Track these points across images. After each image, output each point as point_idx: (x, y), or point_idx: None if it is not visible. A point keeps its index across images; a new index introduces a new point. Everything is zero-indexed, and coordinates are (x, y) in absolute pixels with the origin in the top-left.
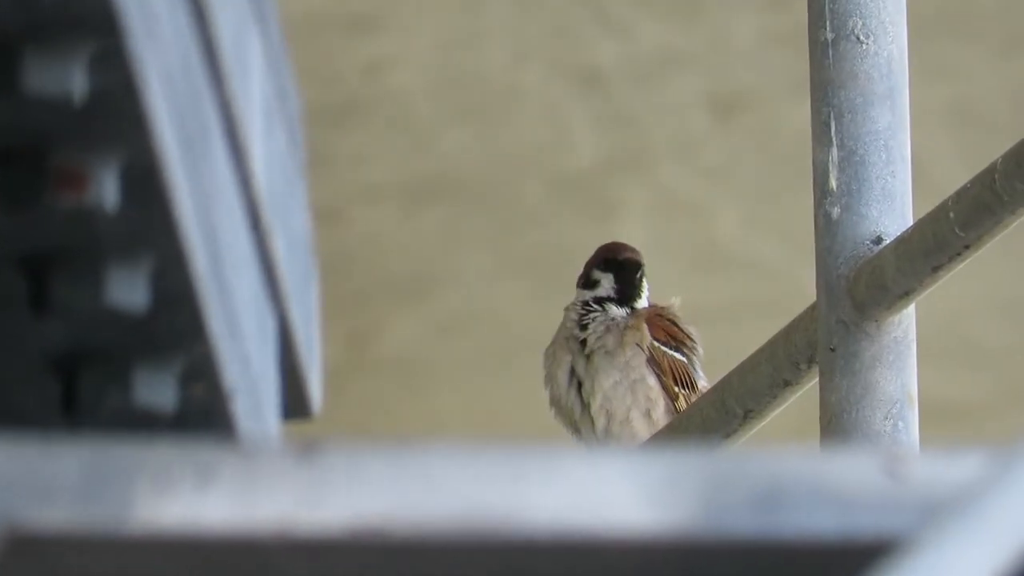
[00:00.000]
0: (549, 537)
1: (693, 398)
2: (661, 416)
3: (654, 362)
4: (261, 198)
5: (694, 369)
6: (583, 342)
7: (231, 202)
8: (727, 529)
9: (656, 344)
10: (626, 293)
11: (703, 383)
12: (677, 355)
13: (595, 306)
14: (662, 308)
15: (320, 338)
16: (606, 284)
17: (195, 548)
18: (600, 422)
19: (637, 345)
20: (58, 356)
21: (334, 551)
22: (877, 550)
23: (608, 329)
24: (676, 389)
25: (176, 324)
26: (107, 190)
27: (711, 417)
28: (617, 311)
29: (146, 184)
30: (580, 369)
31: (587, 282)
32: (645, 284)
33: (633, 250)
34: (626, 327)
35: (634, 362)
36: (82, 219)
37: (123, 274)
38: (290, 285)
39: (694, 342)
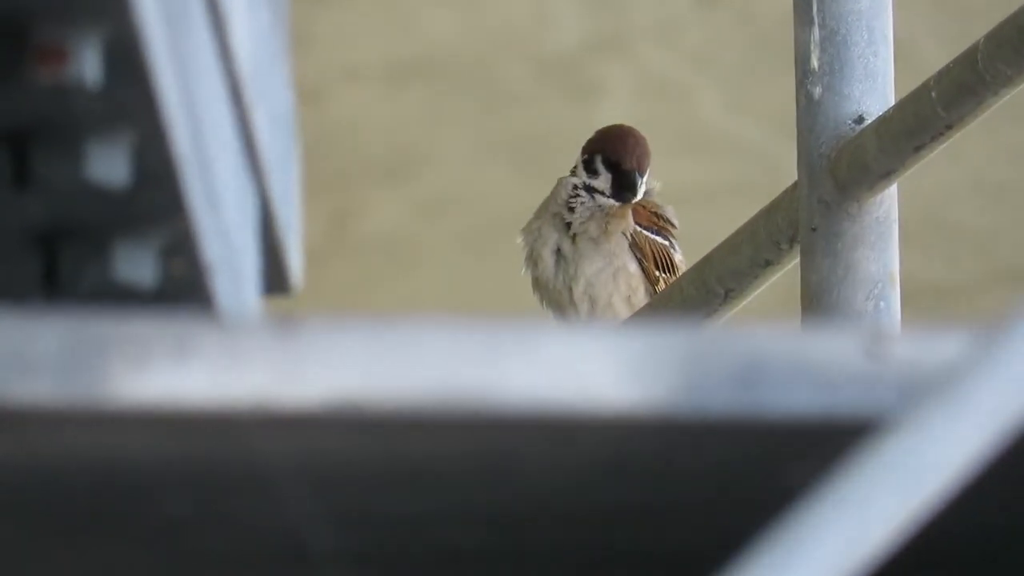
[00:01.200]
0: (528, 414)
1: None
2: (641, 301)
3: (636, 247)
4: (243, 74)
5: (674, 251)
6: (568, 223)
7: (213, 77)
8: (707, 406)
9: (639, 229)
10: (621, 195)
11: (681, 261)
12: (658, 239)
13: (585, 194)
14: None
15: (301, 215)
16: (604, 181)
17: (173, 422)
18: (583, 307)
19: (622, 233)
20: (38, 232)
21: (312, 426)
22: (859, 429)
23: (592, 215)
24: (657, 273)
25: (157, 199)
26: (88, 66)
27: (692, 296)
28: (606, 201)
29: (127, 60)
30: (566, 249)
31: (588, 166)
32: (643, 182)
33: (638, 154)
34: (610, 214)
35: (617, 249)
36: (62, 95)
37: (104, 149)
38: (271, 162)
39: (674, 226)
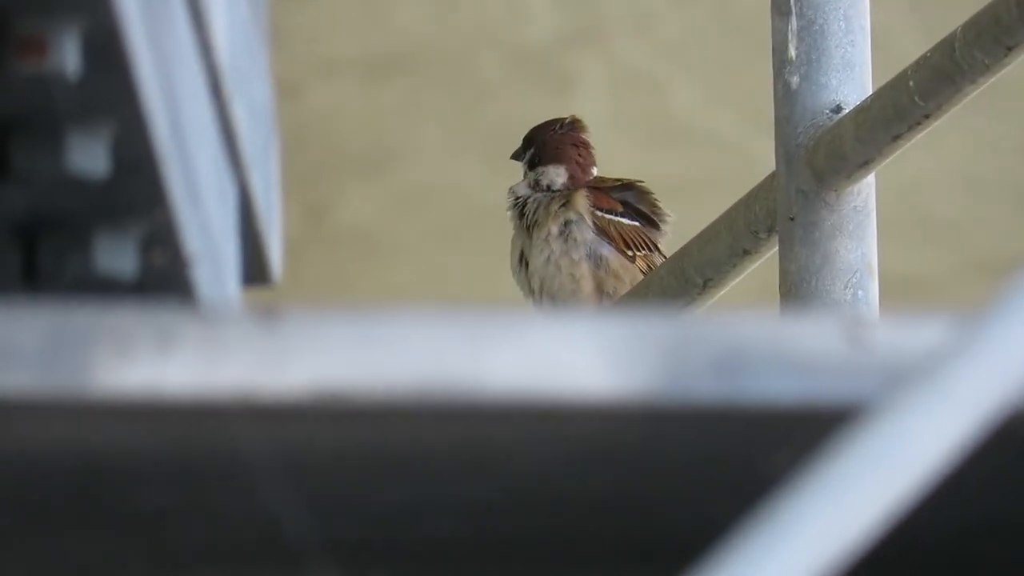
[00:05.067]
0: (511, 403)
1: (656, 258)
2: (590, 291)
3: (601, 231)
4: (222, 66)
5: (651, 230)
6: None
7: (192, 69)
8: (689, 394)
9: (600, 213)
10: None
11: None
12: (624, 220)
13: (521, 192)
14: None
15: (280, 206)
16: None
17: (156, 413)
18: (540, 299)
19: (572, 218)
20: (18, 223)
21: (295, 416)
22: (840, 416)
23: (539, 206)
24: (631, 252)
25: (137, 191)
26: (67, 56)
27: (670, 286)
28: (526, 191)
29: (107, 50)
30: (527, 248)
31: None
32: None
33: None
34: (552, 201)
35: (556, 238)
36: (42, 85)
37: (83, 140)
38: (251, 153)
39: (644, 213)
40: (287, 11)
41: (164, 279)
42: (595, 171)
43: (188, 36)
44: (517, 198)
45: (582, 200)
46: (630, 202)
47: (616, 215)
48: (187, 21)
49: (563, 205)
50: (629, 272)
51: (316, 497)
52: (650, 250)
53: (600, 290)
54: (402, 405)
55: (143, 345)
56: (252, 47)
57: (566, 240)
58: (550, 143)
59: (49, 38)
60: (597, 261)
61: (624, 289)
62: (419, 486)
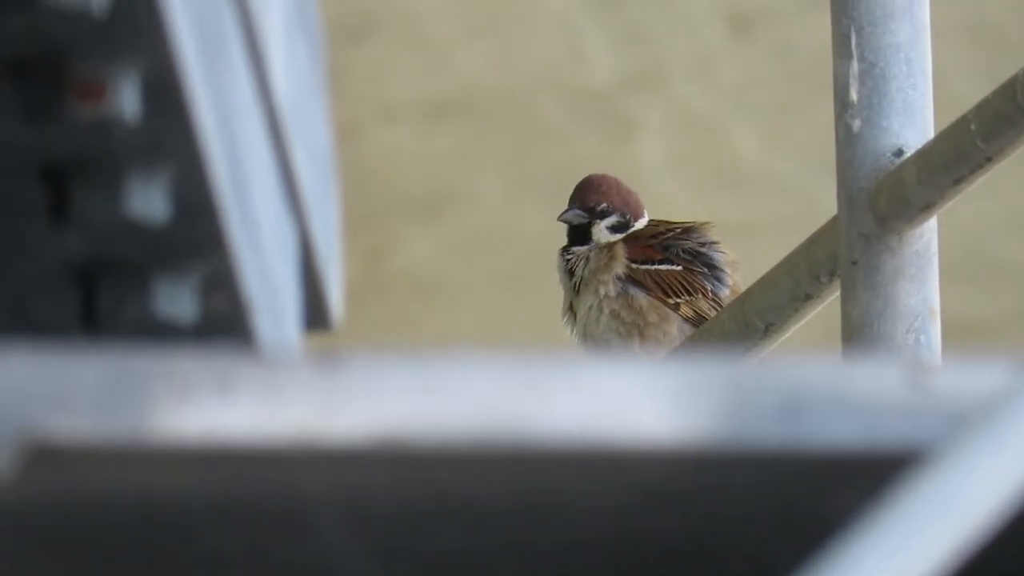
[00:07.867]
0: (570, 447)
1: (701, 302)
2: (642, 341)
3: (636, 282)
4: (282, 109)
5: (701, 271)
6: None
7: (251, 114)
8: (750, 439)
9: (634, 266)
10: (577, 241)
11: (726, 282)
12: (662, 267)
13: (572, 251)
14: (646, 227)
15: (340, 250)
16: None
17: (215, 458)
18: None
19: (614, 274)
20: (78, 266)
21: (354, 461)
22: (901, 460)
23: (586, 263)
24: (672, 300)
25: (196, 235)
26: (126, 100)
27: (732, 331)
28: (580, 249)
29: (166, 95)
30: (575, 303)
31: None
32: (598, 228)
33: (576, 197)
34: (599, 257)
35: (604, 290)
36: (101, 129)
37: (143, 185)
38: (310, 197)
39: (686, 239)
40: (345, 54)
41: (223, 323)
42: (642, 222)
43: (247, 79)
44: (568, 258)
45: (619, 252)
46: (689, 246)
47: (654, 264)
48: (246, 64)
49: (608, 260)
50: (660, 314)
51: (376, 541)
52: (695, 294)
53: (635, 332)
54: (462, 450)
55: (202, 389)
56: (311, 90)
57: (610, 289)
58: (616, 195)
59: (108, 82)
60: (628, 301)
61: (658, 333)
62: (479, 530)
